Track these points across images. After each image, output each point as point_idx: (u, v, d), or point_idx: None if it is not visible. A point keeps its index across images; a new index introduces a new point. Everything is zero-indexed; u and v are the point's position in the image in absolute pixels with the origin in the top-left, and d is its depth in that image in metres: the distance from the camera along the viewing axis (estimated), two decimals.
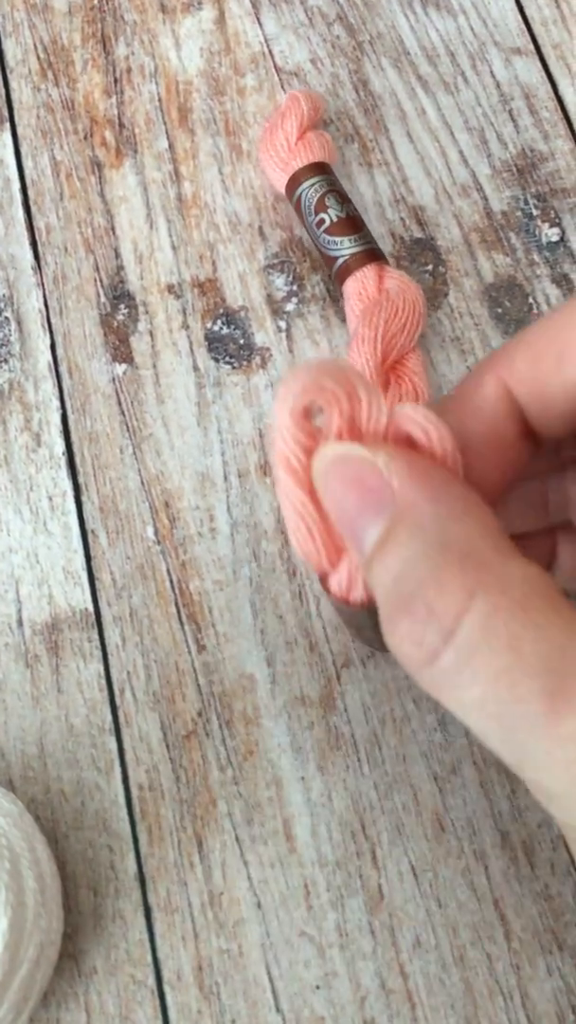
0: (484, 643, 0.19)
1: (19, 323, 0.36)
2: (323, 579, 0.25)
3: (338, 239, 0.35)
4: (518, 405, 0.24)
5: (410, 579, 0.20)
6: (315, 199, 0.35)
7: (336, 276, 0.35)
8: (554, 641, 0.19)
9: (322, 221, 0.35)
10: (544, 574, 0.20)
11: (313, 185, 0.35)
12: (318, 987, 0.29)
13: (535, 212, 0.37)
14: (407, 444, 0.23)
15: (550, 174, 0.38)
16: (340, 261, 0.35)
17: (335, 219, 0.35)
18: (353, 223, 0.35)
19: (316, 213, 0.35)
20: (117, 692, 0.32)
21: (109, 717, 0.31)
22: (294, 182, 0.36)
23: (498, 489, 0.25)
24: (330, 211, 0.35)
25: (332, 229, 0.35)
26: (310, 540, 0.24)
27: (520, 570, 0.20)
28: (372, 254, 0.35)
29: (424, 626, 0.20)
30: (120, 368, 0.36)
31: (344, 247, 0.35)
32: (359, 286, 0.34)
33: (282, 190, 0.37)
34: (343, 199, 0.35)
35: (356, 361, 0.33)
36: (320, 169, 0.36)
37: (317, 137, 0.36)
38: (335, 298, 0.36)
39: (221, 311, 0.36)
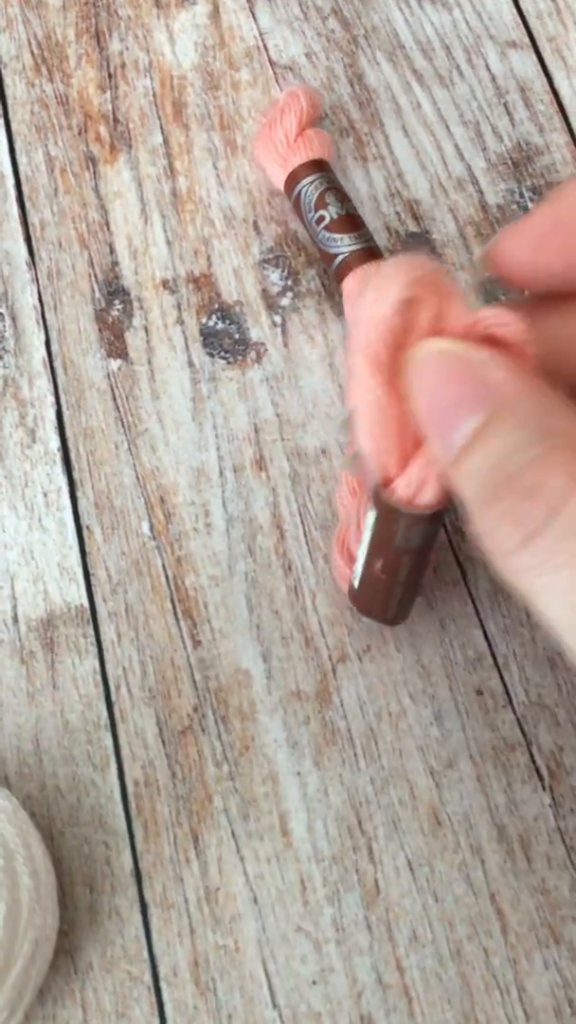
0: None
1: (13, 319, 0.36)
2: (386, 483, 0.25)
3: (338, 236, 0.35)
4: None
5: (513, 462, 0.20)
6: (315, 196, 0.35)
7: (335, 273, 0.35)
8: None
9: (322, 218, 0.35)
10: None
11: (313, 182, 0.35)
12: (315, 982, 0.29)
13: (531, 205, 0.37)
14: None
15: (546, 167, 0.38)
16: (340, 258, 0.35)
17: (335, 216, 0.35)
18: (353, 221, 0.35)
19: (316, 210, 0.35)
20: (113, 688, 0.32)
21: (105, 713, 0.31)
22: (293, 179, 0.36)
23: None
24: (330, 208, 0.35)
25: (332, 226, 0.35)
26: (385, 437, 0.24)
27: None
28: (371, 252, 0.35)
29: (529, 504, 0.20)
30: (115, 364, 0.36)
31: (344, 244, 0.34)
32: (359, 284, 0.34)
33: (280, 186, 0.37)
34: (343, 197, 0.35)
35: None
36: (320, 166, 0.36)
37: (316, 134, 0.36)
38: (331, 292, 0.36)
39: (216, 306, 0.36)
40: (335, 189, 0.35)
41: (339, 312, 0.36)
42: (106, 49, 0.40)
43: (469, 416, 0.21)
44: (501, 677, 0.31)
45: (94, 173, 0.38)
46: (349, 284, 0.34)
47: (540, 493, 0.20)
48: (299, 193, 0.35)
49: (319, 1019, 0.28)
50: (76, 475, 0.34)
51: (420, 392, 0.23)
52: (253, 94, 0.39)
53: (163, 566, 0.33)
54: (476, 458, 0.21)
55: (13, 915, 0.26)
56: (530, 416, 0.21)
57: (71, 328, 0.36)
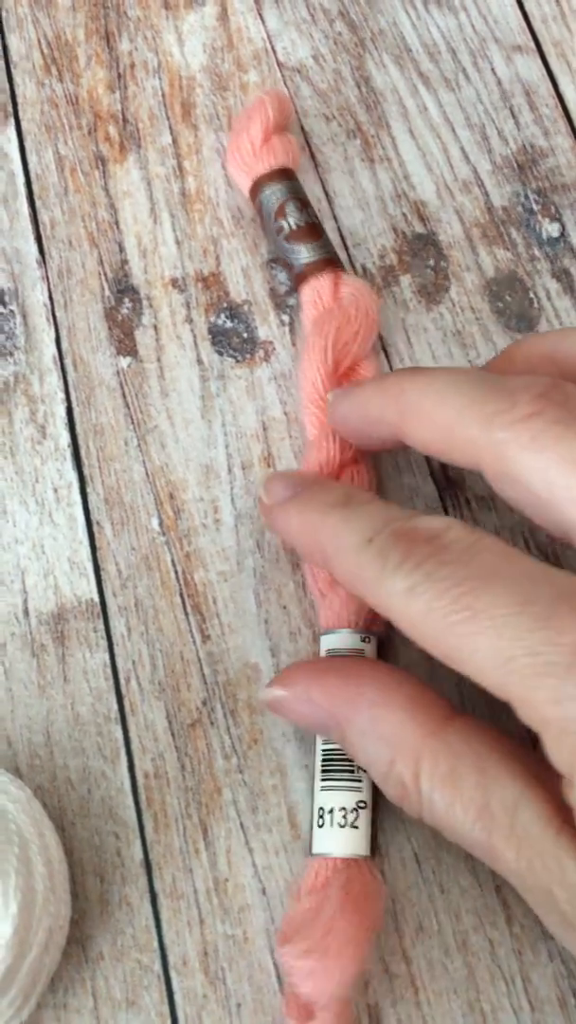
0: (438, 805, 0.25)
1: (24, 316, 0.37)
2: None
3: (295, 247, 0.35)
4: None
5: (376, 770, 0.27)
6: (275, 206, 0.35)
7: (294, 283, 0.35)
8: (477, 794, 0.25)
9: (281, 228, 0.35)
10: (462, 730, 0.26)
11: (274, 192, 0.35)
12: None
13: (536, 207, 0.38)
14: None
15: (550, 170, 0.38)
16: (297, 268, 0.35)
17: (294, 227, 0.35)
18: (311, 231, 0.35)
19: (276, 219, 0.35)
20: (123, 681, 0.32)
21: (115, 706, 0.32)
22: (256, 187, 0.36)
23: None
24: (289, 218, 0.35)
25: (290, 236, 0.35)
26: None
27: (441, 744, 0.26)
28: (329, 263, 0.35)
29: (403, 799, 0.26)
30: (124, 361, 0.36)
31: (301, 255, 0.35)
32: (314, 294, 0.35)
33: (248, 195, 0.37)
34: (303, 205, 0.36)
35: (308, 369, 0.34)
36: (283, 175, 0.36)
37: (281, 142, 0.36)
38: None
39: (224, 305, 0.37)
40: (296, 199, 0.36)
41: None
42: (115, 49, 0.40)
43: (329, 730, 0.28)
44: None
45: (103, 172, 0.38)
46: (306, 294, 0.35)
47: (403, 790, 0.26)
48: (261, 202, 0.36)
49: None
50: (86, 471, 0.35)
51: (293, 720, 0.30)
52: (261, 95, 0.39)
53: (172, 561, 0.33)
54: (358, 759, 0.28)
55: (28, 903, 0.26)
56: (364, 728, 0.27)
57: (81, 326, 0.36)
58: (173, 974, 0.29)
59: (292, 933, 0.27)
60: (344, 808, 0.29)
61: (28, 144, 0.39)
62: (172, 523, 0.34)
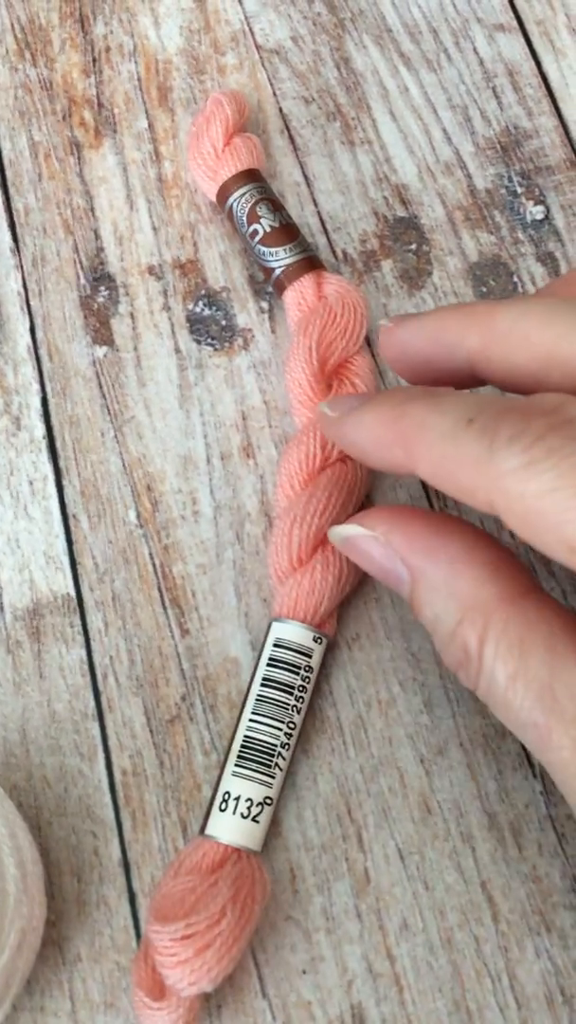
0: (499, 677, 0.24)
1: None
2: None
3: (273, 250, 0.34)
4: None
5: (440, 631, 0.25)
6: (247, 209, 0.34)
7: (275, 287, 0.35)
8: (543, 671, 0.23)
9: (255, 232, 0.34)
10: (540, 604, 0.24)
11: (243, 195, 0.35)
12: (304, 971, 0.29)
13: (519, 190, 0.37)
14: None
15: (534, 151, 0.37)
16: (278, 272, 0.34)
17: (268, 229, 0.34)
18: (287, 232, 0.34)
19: (249, 224, 0.34)
20: (100, 677, 0.31)
21: (92, 702, 0.31)
22: (224, 192, 0.35)
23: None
24: (263, 221, 0.34)
25: (266, 240, 0.34)
26: None
27: (516, 612, 0.24)
28: (309, 263, 0.34)
29: (463, 666, 0.25)
30: (101, 351, 0.35)
31: (280, 258, 0.34)
32: (298, 297, 0.34)
33: (214, 199, 0.36)
34: (276, 207, 0.35)
35: (294, 369, 0.33)
36: (250, 176, 0.35)
37: (244, 142, 0.35)
38: None
39: (203, 292, 0.36)
40: (267, 200, 0.35)
41: None
42: (90, 33, 0.40)
43: (399, 584, 0.26)
44: None
45: (79, 158, 0.38)
46: (289, 297, 0.34)
47: (466, 657, 0.25)
48: (231, 207, 0.35)
49: (309, 1008, 0.28)
50: (62, 463, 0.34)
51: (362, 564, 0.27)
52: (239, 78, 0.39)
53: (150, 554, 0.33)
54: (421, 617, 0.26)
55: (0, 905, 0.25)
56: (436, 585, 0.25)
57: (56, 315, 0.36)
58: None
59: (169, 911, 0.26)
60: (251, 800, 0.28)
61: (2, 130, 0.38)
62: (150, 515, 0.33)
